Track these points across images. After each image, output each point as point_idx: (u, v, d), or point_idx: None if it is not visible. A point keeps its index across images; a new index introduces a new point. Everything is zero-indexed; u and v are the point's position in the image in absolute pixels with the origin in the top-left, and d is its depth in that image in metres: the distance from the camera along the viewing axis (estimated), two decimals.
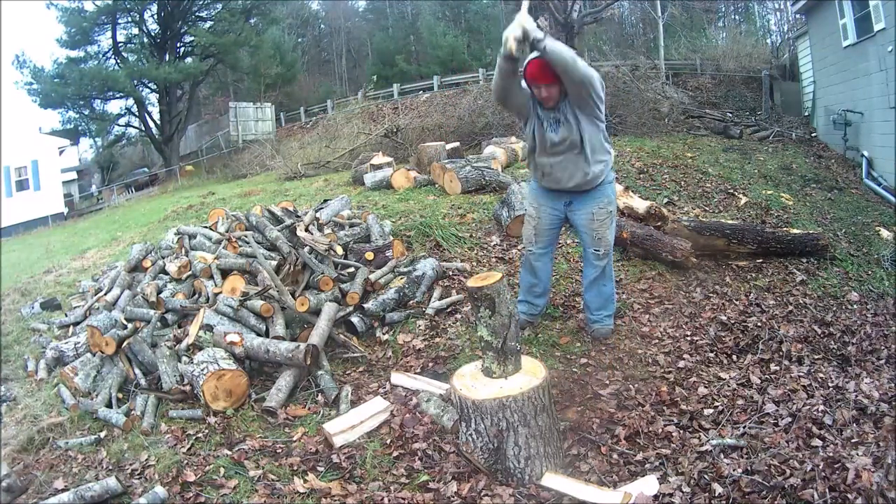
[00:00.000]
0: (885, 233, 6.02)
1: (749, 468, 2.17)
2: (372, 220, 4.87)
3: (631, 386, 3.09)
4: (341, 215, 5.20)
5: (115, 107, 24.83)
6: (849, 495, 1.88)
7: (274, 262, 4.08)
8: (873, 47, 8.74)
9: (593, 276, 3.52)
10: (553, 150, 3.24)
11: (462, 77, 20.66)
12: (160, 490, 2.45)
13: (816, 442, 2.30)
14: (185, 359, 3.38)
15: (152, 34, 22.94)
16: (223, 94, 27.19)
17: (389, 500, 2.38)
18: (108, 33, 22.19)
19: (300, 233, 4.33)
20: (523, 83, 3.19)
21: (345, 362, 3.57)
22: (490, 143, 8.95)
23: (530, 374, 2.48)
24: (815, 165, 9.02)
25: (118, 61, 22.44)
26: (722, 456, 2.36)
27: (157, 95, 23.54)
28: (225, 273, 4.04)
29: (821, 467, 2.02)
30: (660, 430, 2.69)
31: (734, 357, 3.49)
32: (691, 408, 2.87)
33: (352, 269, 4.15)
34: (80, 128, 25.53)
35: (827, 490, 1.91)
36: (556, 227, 3.57)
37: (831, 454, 2.11)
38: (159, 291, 4.16)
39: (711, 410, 2.84)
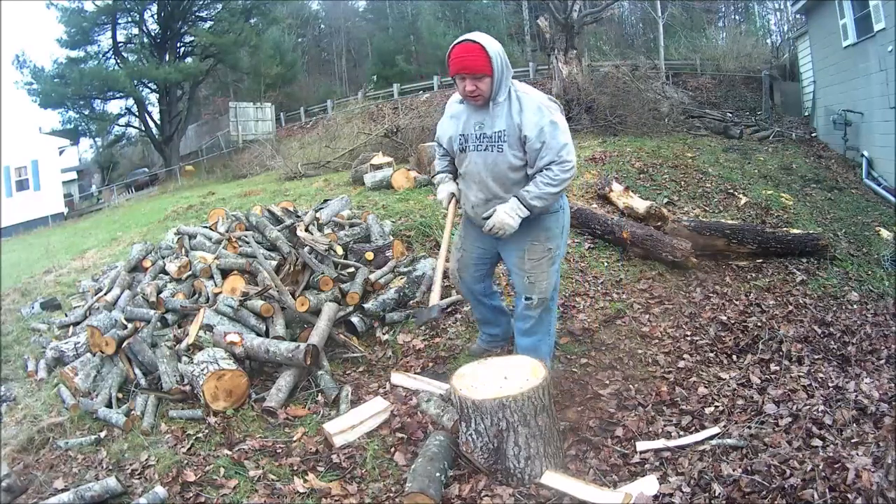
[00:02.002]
0: (885, 233, 6.02)
1: (749, 468, 2.16)
2: (372, 220, 4.87)
3: (631, 386, 3.09)
4: (341, 215, 5.20)
5: (115, 107, 24.96)
6: (849, 495, 1.87)
7: (274, 262, 4.08)
8: (873, 47, 8.75)
9: (523, 328, 2.87)
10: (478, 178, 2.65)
11: None
12: (160, 490, 2.45)
13: (816, 442, 2.30)
14: (185, 359, 3.37)
15: (152, 34, 22.97)
16: (223, 94, 27.20)
17: (389, 501, 2.38)
18: (108, 33, 22.23)
19: (300, 233, 4.33)
20: (445, 124, 2.81)
21: (345, 362, 3.57)
22: None
23: (530, 374, 2.48)
24: (815, 165, 9.02)
25: (118, 61, 22.45)
26: (722, 456, 2.36)
27: (157, 95, 23.58)
28: (225, 273, 4.04)
29: (821, 467, 2.02)
30: (660, 430, 2.69)
31: (734, 357, 3.49)
32: (691, 408, 2.87)
33: (352, 269, 4.15)
34: (80, 128, 25.55)
35: (827, 490, 1.90)
36: (485, 263, 2.98)
37: (831, 454, 2.10)
38: (159, 291, 4.16)
39: (711, 410, 2.84)
